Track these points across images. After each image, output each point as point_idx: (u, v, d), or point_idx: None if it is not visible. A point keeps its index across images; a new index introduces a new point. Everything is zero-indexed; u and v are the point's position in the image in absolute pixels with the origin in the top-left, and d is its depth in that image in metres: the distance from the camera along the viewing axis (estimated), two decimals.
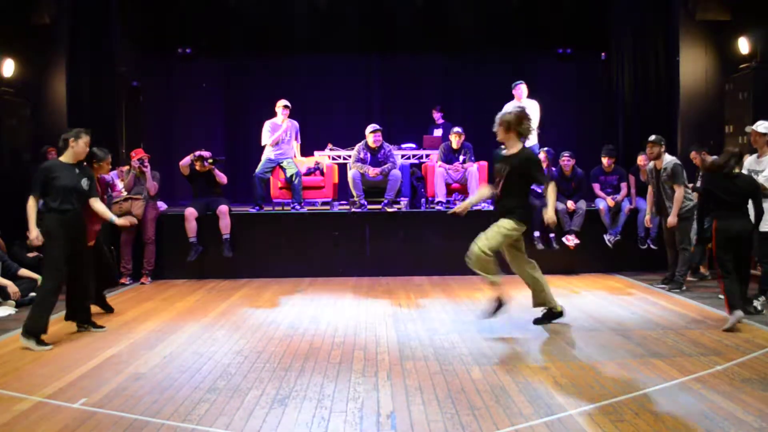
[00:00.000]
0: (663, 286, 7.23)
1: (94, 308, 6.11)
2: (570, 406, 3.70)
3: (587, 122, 11.57)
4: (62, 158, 5.29)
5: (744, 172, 6.31)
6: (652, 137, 7.05)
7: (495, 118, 5.34)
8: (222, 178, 8.20)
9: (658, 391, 3.92)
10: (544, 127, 9.53)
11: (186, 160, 8.10)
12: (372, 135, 8.59)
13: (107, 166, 6.15)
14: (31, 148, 8.32)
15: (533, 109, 9.01)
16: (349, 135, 9.79)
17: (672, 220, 6.93)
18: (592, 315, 6.02)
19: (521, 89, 9.01)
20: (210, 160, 8.08)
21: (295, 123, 8.96)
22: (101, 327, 5.62)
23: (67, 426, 3.50)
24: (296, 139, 9.01)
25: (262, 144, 8.83)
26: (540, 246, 8.24)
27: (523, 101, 8.99)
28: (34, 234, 5.21)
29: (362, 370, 4.41)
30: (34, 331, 5.05)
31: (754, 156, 6.31)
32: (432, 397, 3.88)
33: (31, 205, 5.19)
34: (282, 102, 8.78)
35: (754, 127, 6.23)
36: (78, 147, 5.29)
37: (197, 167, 8.09)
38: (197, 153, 8.07)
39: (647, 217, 7.51)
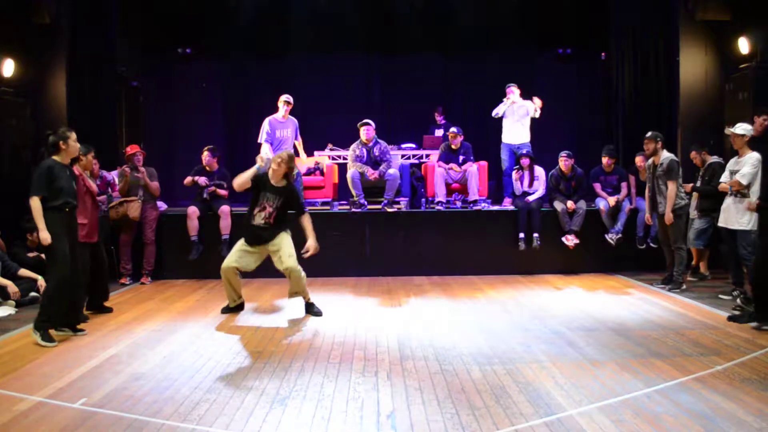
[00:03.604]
0: (663, 285, 7.23)
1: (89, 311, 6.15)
2: (570, 406, 3.70)
3: (587, 122, 11.56)
4: (57, 158, 5.21)
5: (726, 172, 6.49)
6: (649, 133, 7.13)
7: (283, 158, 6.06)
8: (223, 194, 8.31)
9: (658, 391, 3.92)
10: (543, 126, 9.56)
11: (188, 180, 8.24)
12: (363, 129, 8.60)
13: (91, 159, 6.17)
14: (31, 148, 8.32)
15: (523, 109, 9.10)
16: (349, 135, 9.77)
17: (667, 216, 6.94)
18: (592, 315, 6.01)
19: (513, 90, 9.13)
20: (211, 190, 8.21)
21: (295, 121, 8.89)
22: (82, 330, 5.49)
23: (67, 426, 3.51)
24: (296, 137, 8.93)
25: (258, 141, 8.82)
26: (522, 247, 8.26)
27: (517, 101, 9.07)
28: (46, 235, 5.08)
29: (362, 370, 4.41)
30: (44, 325, 5.08)
31: (735, 157, 6.46)
32: (432, 397, 3.88)
33: (38, 207, 5.07)
34: (283, 97, 8.72)
35: (732, 129, 6.40)
36: (70, 147, 5.26)
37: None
38: (195, 179, 8.19)
39: (647, 215, 7.52)
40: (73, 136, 5.28)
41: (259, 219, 6.02)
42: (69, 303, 5.35)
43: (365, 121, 8.69)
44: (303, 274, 6.05)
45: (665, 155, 7.05)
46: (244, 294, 7.22)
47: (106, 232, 7.30)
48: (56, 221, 5.12)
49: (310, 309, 6.23)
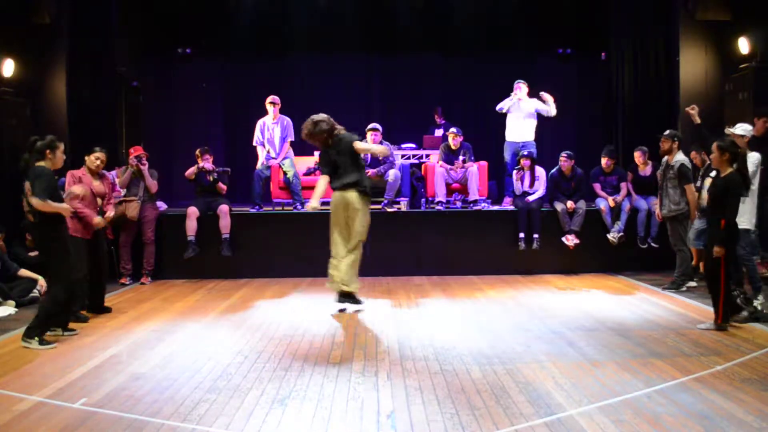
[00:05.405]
0: (667, 286, 7.21)
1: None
2: (570, 406, 3.70)
3: (587, 122, 11.56)
4: (45, 165, 5.10)
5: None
6: (667, 132, 7.11)
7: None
8: (223, 188, 8.30)
9: (658, 391, 3.92)
10: (543, 127, 9.53)
11: (191, 171, 8.25)
12: (369, 134, 8.60)
13: (94, 159, 6.13)
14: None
15: (530, 107, 8.99)
16: None
17: (693, 215, 6.95)
18: (592, 315, 6.01)
19: (521, 87, 8.97)
20: (214, 174, 8.20)
21: (285, 120, 8.83)
22: (73, 330, 5.47)
23: (67, 426, 3.51)
24: (289, 136, 8.87)
25: (254, 144, 8.85)
26: (522, 246, 8.25)
27: (524, 100, 8.96)
28: (65, 206, 5.12)
29: (362, 370, 4.41)
30: (38, 333, 5.05)
31: None
32: (432, 397, 3.88)
33: (52, 203, 4.94)
34: (268, 99, 8.69)
35: (732, 130, 6.39)
36: (56, 158, 5.17)
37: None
38: (200, 165, 8.20)
39: (656, 210, 7.45)
40: (62, 147, 5.19)
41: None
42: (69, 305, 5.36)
43: (373, 126, 8.66)
44: (358, 259, 6.24)
45: (678, 157, 7.02)
46: (244, 294, 7.28)
47: (105, 231, 7.29)
48: (62, 230, 5.08)
49: (350, 298, 6.36)
